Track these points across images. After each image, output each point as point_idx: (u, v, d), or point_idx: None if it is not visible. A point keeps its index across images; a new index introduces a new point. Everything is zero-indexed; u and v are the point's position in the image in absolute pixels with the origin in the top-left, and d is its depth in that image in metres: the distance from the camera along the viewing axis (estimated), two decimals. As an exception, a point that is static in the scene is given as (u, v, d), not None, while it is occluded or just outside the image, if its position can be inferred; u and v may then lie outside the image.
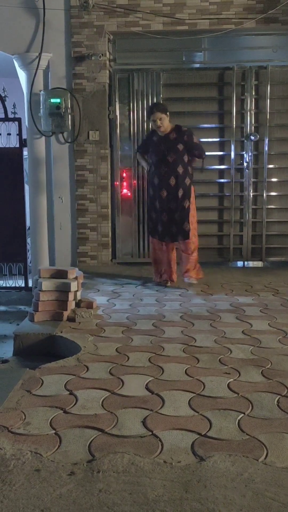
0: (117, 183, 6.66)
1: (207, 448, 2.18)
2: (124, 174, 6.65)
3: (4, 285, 7.22)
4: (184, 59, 6.72)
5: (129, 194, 6.67)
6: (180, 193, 5.13)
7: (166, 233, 5.22)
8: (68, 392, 2.74)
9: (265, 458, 2.11)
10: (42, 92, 6.36)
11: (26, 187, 7.03)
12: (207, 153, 5.38)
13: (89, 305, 4.30)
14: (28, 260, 7.17)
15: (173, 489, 1.91)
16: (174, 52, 6.63)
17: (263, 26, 6.21)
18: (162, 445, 2.21)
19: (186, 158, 5.13)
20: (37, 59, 6.26)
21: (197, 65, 6.80)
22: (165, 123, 5.07)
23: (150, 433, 2.31)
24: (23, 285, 7.20)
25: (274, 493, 1.88)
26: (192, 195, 5.26)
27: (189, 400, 2.63)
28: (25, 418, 2.46)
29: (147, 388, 2.78)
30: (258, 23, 6.16)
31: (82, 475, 2.01)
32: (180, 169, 5.10)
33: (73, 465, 2.07)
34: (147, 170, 5.43)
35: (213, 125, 6.60)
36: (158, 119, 5.02)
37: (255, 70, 6.36)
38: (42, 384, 2.86)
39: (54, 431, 2.34)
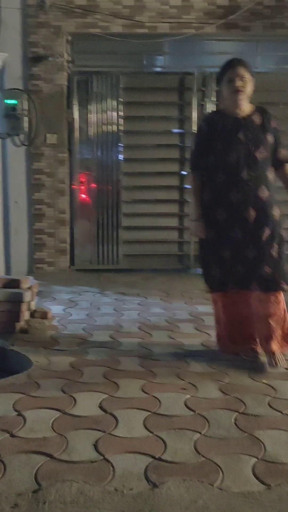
0: (76, 187, 6.51)
1: (161, 473, 2.07)
2: (83, 179, 6.51)
3: None
4: (144, 62, 6.64)
5: (88, 199, 6.53)
6: (275, 211, 3.16)
7: (252, 277, 3.17)
8: (16, 413, 2.58)
9: (221, 482, 2.01)
10: (-3, 93, 6.17)
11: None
12: (164, 157, 5.01)
13: (44, 316, 4.14)
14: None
15: (123, 520, 1.80)
16: (134, 55, 6.54)
17: (223, 32, 6.18)
18: (113, 470, 2.09)
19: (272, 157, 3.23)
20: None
21: (158, 69, 6.73)
22: (248, 89, 3.13)
23: (102, 457, 2.18)
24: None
25: (229, 523, 1.79)
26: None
27: (144, 420, 2.52)
28: None
29: (100, 407, 2.66)
30: (218, 29, 6.13)
31: (26, 507, 1.87)
32: (271, 173, 3.20)
33: (18, 496, 1.93)
34: (194, 218, 3.31)
35: (174, 130, 6.53)
36: (239, 77, 3.08)
37: (215, 75, 6.31)
38: (-11, 403, 2.70)
39: (-2, 458, 2.19)
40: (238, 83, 3.09)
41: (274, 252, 3.13)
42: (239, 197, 3.10)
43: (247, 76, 3.11)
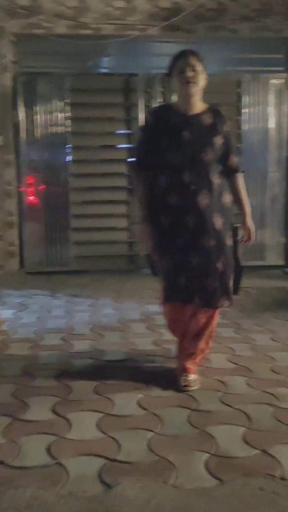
0: (23, 189, 6.42)
1: (115, 474, 2.07)
2: (31, 180, 6.42)
3: None
4: (89, 64, 6.62)
5: (36, 200, 6.45)
6: (219, 220, 2.83)
7: (197, 289, 2.86)
8: None
9: (175, 480, 2.04)
10: None
11: None
12: (112, 158, 4.78)
13: (-7, 321, 4.07)
14: None
15: (78, 523, 1.80)
16: (80, 57, 6.51)
17: (167, 34, 6.24)
18: (67, 474, 2.08)
19: (220, 162, 2.89)
20: None
21: (103, 71, 6.72)
22: (200, 80, 2.83)
23: (55, 461, 2.17)
24: None
25: (183, 519, 1.81)
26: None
27: (97, 421, 2.52)
28: None
29: (53, 411, 2.64)
30: (162, 30, 6.19)
31: (-21, 517, 1.84)
32: (216, 179, 2.84)
33: None
34: (141, 218, 2.96)
35: (121, 131, 6.55)
36: (191, 68, 2.79)
37: (160, 77, 6.37)
38: None
39: None
40: (189, 73, 2.78)
41: (218, 264, 2.83)
42: (179, 202, 2.79)
43: (199, 67, 2.81)
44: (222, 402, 2.73)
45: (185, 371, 2.98)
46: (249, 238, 3.00)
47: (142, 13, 6.14)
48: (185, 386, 2.89)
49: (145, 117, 3.01)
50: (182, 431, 2.43)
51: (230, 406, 2.68)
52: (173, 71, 2.86)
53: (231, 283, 2.90)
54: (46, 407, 2.68)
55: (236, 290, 2.97)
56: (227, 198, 2.90)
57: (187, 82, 2.79)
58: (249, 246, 3.05)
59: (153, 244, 2.92)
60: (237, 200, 2.98)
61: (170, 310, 3.02)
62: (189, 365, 3.01)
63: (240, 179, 2.99)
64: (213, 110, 2.92)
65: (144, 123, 3.06)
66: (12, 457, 2.20)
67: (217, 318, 3.02)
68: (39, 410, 2.65)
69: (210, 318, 2.97)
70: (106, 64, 6.70)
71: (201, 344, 3.03)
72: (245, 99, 6.49)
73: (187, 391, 2.86)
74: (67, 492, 1.97)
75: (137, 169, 3.00)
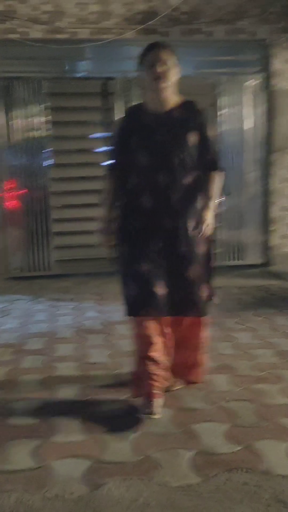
0: (3, 195, 6.39)
1: (101, 474, 2.10)
2: (10, 185, 6.40)
3: None
4: (66, 68, 6.61)
5: (16, 206, 6.43)
6: (191, 225, 2.64)
7: (169, 301, 2.63)
8: None
9: (161, 478, 2.07)
10: None
11: None
12: (91, 161, 4.67)
13: (-25, 327, 4.05)
14: None
15: (65, 525, 1.81)
16: (56, 61, 6.50)
17: (143, 37, 6.26)
18: (53, 477, 2.09)
19: (196, 160, 2.68)
20: None
21: (80, 75, 6.73)
22: (171, 75, 2.61)
23: (41, 465, 2.18)
24: None
25: (169, 516, 1.84)
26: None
27: (82, 423, 2.53)
28: None
29: (37, 415, 2.64)
30: (138, 34, 6.22)
31: None
32: (189, 181, 2.65)
33: None
34: (103, 219, 2.84)
35: (99, 135, 6.56)
36: (160, 62, 2.59)
37: (138, 80, 6.39)
38: None
39: None
40: (160, 68, 2.57)
41: (190, 272, 2.64)
42: (152, 204, 2.60)
43: (171, 61, 2.60)
44: (206, 400, 2.77)
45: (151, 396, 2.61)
46: (202, 228, 2.63)
47: (118, 17, 6.16)
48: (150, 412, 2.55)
49: (120, 120, 2.82)
50: (167, 429, 2.46)
51: (214, 404, 2.72)
52: (143, 65, 2.64)
53: (202, 293, 2.69)
54: (30, 410, 2.68)
55: (209, 298, 2.75)
56: (201, 202, 2.68)
57: (157, 78, 2.57)
58: (202, 237, 2.66)
59: (121, 249, 2.73)
60: (207, 195, 2.70)
61: (139, 324, 2.68)
62: (156, 389, 2.64)
63: (216, 177, 2.74)
64: (186, 104, 2.68)
65: (118, 123, 2.85)
66: (-2, 462, 2.20)
67: (200, 330, 2.81)
68: (23, 414, 2.65)
69: (189, 329, 2.78)
70: (83, 68, 6.70)
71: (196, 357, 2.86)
72: (221, 101, 6.55)
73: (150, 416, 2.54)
74: (53, 494, 1.98)
75: (107, 170, 2.80)
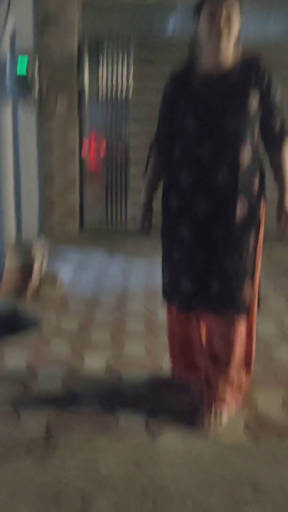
0: (85, 150, 6.59)
1: (159, 426, 2.28)
2: (93, 142, 6.58)
3: None
4: (155, 25, 6.58)
5: (97, 162, 6.62)
6: (240, 207, 2.20)
7: (201, 294, 2.30)
8: (29, 367, 2.80)
9: (215, 435, 2.23)
10: (8, 55, 6.17)
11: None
12: None
13: (54, 280, 4.32)
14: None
15: (125, 465, 2.01)
16: (145, 18, 6.48)
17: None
18: (117, 422, 2.30)
19: (256, 129, 2.23)
20: (3, 22, 6.05)
21: (169, 32, 6.67)
22: (234, 30, 2.16)
23: (108, 410, 2.40)
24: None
25: (219, 469, 2.00)
26: (262, 213, 2.28)
27: (147, 379, 2.72)
28: (-15, 395, 2.52)
29: (107, 365, 2.86)
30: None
31: (39, 452, 2.09)
32: (244, 152, 2.18)
33: (30, 442, 2.15)
34: (143, 199, 2.56)
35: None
36: (226, 12, 2.11)
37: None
38: (3, 358, 2.91)
39: (13, 407, 2.40)
40: (223, 20, 2.11)
41: (230, 263, 2.22)
42: (190, 181, 2.22)
43: (236, 13, 2.14)
44: (266, 369, 2.87)
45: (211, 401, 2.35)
46: (286, 223, 2.26)
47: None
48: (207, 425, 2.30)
49: (167, 83, 2.37)
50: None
51: (274, 373, 2.82)
52: (201, 11, 2.17)
53: (245, 290, 2.25)
54: (100, 360, 2.91)
55: (251, 300, 2.29)
56: (256, 180, 2.23)
57: (218, 33, 2.12)
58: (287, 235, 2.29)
59: (162, 228, 2.45)
60: (277, 175, 2.27)
61: (169, 313, 2.54)
62: (218, 393, 2.37)
63: (285, 150, 2.26)
64: (249, 61, 2.21)
65: (167, 84, 2.38)
66: (68, 404, 2.44)
67: (238, 335, 2.32)
68: (94, 362, 2.88)
69: (228, 334, 2.30)
70: (171, 25, 6.64)
71: (224, 366, 2.35)
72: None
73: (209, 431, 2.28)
74: (117, 438, 2.19)
75: (152, 142, 2.48)
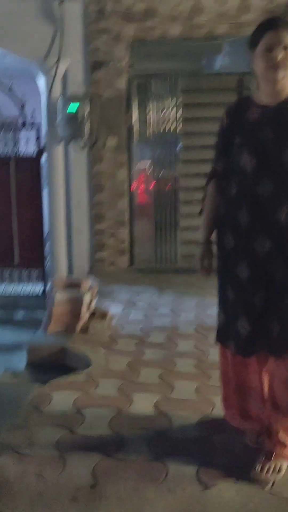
0: (135, 189, 6.63)
1: (212, 476, 2.14)
2: (142, 180, 6.62)
3: (22, 290, 7.26)
4: (202, 63, 6.65)
5: (147, 200, 6.64)
6: None
7: (260, 337, 2.17)
8: (76, 410, 2.72)
9: (271, 487, 2.06)
10: (60, 98, 6.37)
11: (45, 193, 7.06)
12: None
13: (103, 316, 4.29)
14: (47, 266, 7.20)
15: (175, 518, 1.89)
16: (193, 57, 6.56)
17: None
18: (167, 470, 2.18)
19: None
20: (55, 66, 6.28)
21: (216, 70, 6.72)
22: None
23: (156, 456, 2.28)
24: (41, 291, 7.23)
25: (278, 526, 1.84)
26: None
27: (197, 422, 2.59)
28: (31, 438, 2.45)
29: (155, 407, 2.75)
30: (278, 27, 6.06)
31: (84, 501, 1.99)
32: None
33: (76, 490, 2.05)
34: (202, 238, 2.44)
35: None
36: (283, 46, 2.06)
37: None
38: (51, 401, 2.84)
39: (59, 453, 2.32)
40: (280, 54, 2.06)
41: None
42: (248, 219, 2.13)
43: None
44: None
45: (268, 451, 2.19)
46: None
47: (258, 10, 6.05)
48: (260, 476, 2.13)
49: (224, 116, 2.31)
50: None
51: None
52: (257, 46, 2.12)
53: None
54: (149, 403, 2.80)
55: None
56: None
57: (275, 67, 2.07)
58: None
59: (217, 266, 2.37)
60: None
61: (223, 356, 2.41)
62: (274, 444, 2.19)
63: None
64: None
65: (224, 118, 2.31)
66: (116, 450, 2.34)
67: None
68: (142, 405, 2.78)
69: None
70: (219, 63, 6.69)
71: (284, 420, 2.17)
72: None
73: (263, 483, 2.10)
74: (166, 488, 2.06)
75: (208, 178, 2.40)
